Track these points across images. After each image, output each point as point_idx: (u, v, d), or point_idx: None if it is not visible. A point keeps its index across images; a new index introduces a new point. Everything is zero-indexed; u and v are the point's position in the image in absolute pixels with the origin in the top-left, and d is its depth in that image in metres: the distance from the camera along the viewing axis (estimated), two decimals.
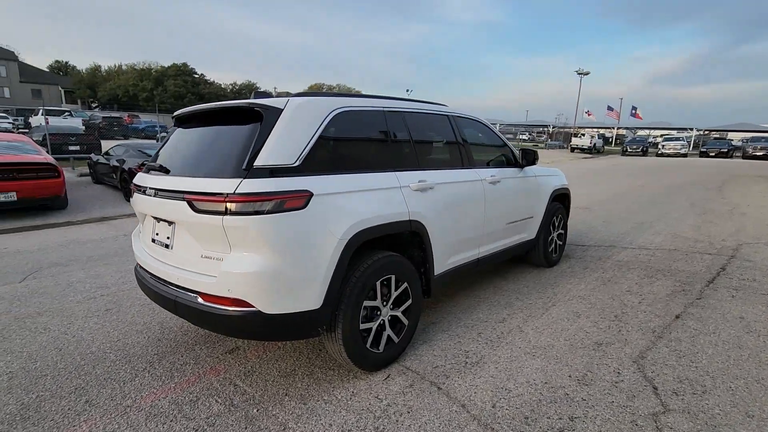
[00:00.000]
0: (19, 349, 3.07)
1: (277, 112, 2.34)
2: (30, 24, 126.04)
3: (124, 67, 59.83)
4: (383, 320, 2.71)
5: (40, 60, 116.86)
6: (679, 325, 3.36)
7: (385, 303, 2.71)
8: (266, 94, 2.64)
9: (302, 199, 2.22)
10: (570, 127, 50.55)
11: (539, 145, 44.95)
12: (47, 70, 68.46)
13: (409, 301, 2.87)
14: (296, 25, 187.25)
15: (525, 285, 4.33)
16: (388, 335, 2.75)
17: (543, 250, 4.67)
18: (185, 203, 2.24)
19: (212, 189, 2.15)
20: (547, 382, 2.59)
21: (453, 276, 3.47)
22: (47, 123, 14.91)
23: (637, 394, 2.46)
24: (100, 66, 63.00)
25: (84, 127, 21.49)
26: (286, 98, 2.45)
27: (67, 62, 71.19)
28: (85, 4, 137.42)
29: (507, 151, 4.14)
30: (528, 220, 4.34)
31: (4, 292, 4.17)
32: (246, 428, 2.19)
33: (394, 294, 2.75)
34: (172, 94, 52.01)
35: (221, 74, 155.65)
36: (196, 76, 56.52)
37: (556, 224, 4.90)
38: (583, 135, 37.45)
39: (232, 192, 2.09)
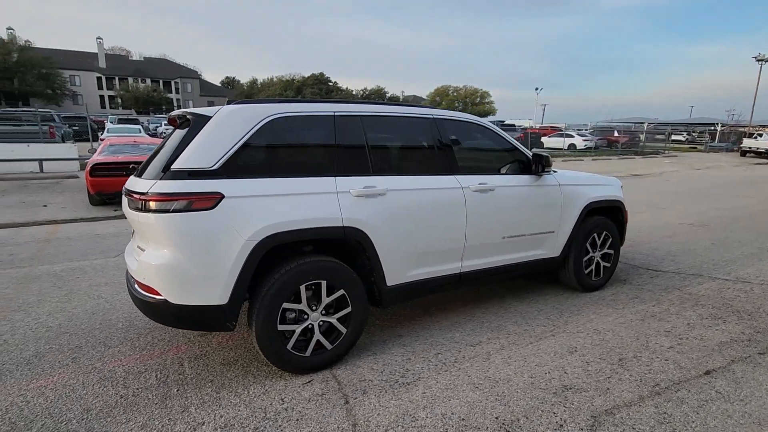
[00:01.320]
0: (71, 309, 3.87)
1: (206, 119, 2.54)
2: (208, 47, 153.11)
3: (274, 80, 68.75)
4: (312, 325, 2.71)
5: (215, 76, 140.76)
6: (700, 384, 2.60)
7: (314, 308, 2.71)
8: (245, 101, 2.85)
9: (211, 200, 2.37)
10: (744, 126, 41.26)
11: (698, 147, 37.72)
12: (219, 84, 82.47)
13: (348, 309, 2.81)
14: (425, 28, 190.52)
15: (538, 308, 3.81)
16: (318, 341, 2.74)
17: (574, 271, 4.03)
18: (125, 198, 2.59)
19: (136, 188, 2.45)
20: (465, 420, 2.29)
21: (430, 290, 3.27)
22: None
23: None
24: (256, 79, 73.83)
25: None
26: (222, 107, 2.63)
27: (234, 77, 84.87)
28: (249, 29, 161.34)
29: (517, 156, 3.70)
30: (545, 234, 3.80)
31: (96, 264, 5.26)
32: (157, 404, 2.44)
33: (326, 300, 2.73)
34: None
35: (353, 81, 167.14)
36: (330, 84, 61.93)
37: (598, 242, 4.17)
38: (760, 135, 30.19)
39: (146, 191, 2.35)
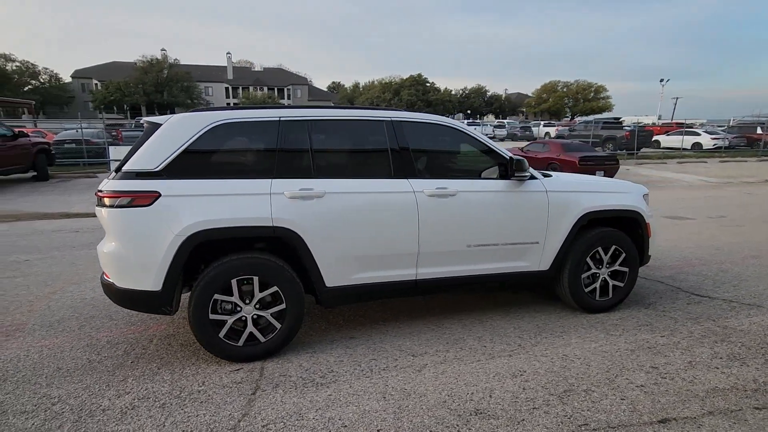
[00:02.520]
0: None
1: (157, 126, 2.87)
2: (318, 55, 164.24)
3: (375, 83, 71.30)
4: (246, 317, 2.90)
5: (324, 82, 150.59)
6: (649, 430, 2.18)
7: (248, 302, 2.89)
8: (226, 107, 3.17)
9: (149, 198, 2.69)
10: None
11: None
12: (326, 90, 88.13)
13: (282, 306, 2.94)
14: (533, 21, 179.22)
15: (517, 325, 3.50)
16: (252, 333, 2.91)
17: (569, 288, 3.61)
18: None
19: (98, 186, 2.87)
20: (347, 427, 2.26)
21: (380, 294, 3.25)
22: None
23: None
24: (359, 83, 77.32)
25: None
26: (171, 115, 2.95)
27: (339, 82, 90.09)
28: (355, 35, 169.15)
29: (494, 159, 3.43)
30: (527, 245, 3.47)
31: None
32: (108, 372, 2.84)
33: (259, 295, 2.89)
34: (405, 103, 58.85)
35: (453, 81, 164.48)
36: (428, 84, 62.12)
37: (604, 258, 3.66)
38: None
39: (100, 189, 2.76)
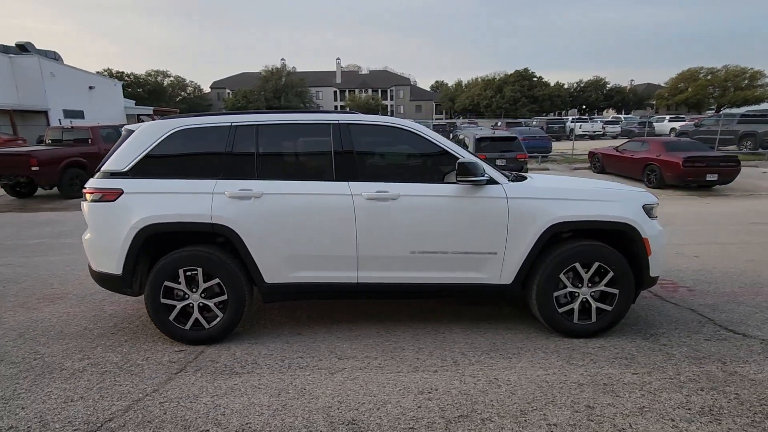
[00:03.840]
0: None
1: (131, 132, 3.32)
2: (422, 55, 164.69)
3: (478, 80, 69.35)
4: (192, 304, 3.20)
5: (426, 82, 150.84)
6: None
7: (194, 290, 3.19)
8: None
9: (114, 194, 3.14)
10: None
11: None
12: (429, 89, 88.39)
13: (224, 296, 3.18)
14: (665, 1, 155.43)
15: (471, 342, 3.26)
16: (197, 319, 3.21)
17: (538, 307, 3.23)
18: None
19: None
20: (222, 415, 2.39)
21: (320, 294, 3.32)
22: None
23: None
24: (461, 81, 75.88)
25: None
26: (143, 123, 3.37)
27: (442, 81, 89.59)
28: (459, 33, 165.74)
29: (450, 162, 3.21)
30: (483, 255, 3.19)
31: None
32: (89, 340, 3.38)
33: (203, 285, 3.17)
34: (508, 100, 56.05)
35: (566, 74, 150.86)
36: (535, 79, 58.25)
37: (584, 275, 3.20)
38: None
39: (84, 186, 3.29)
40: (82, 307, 4.01)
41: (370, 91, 75.33)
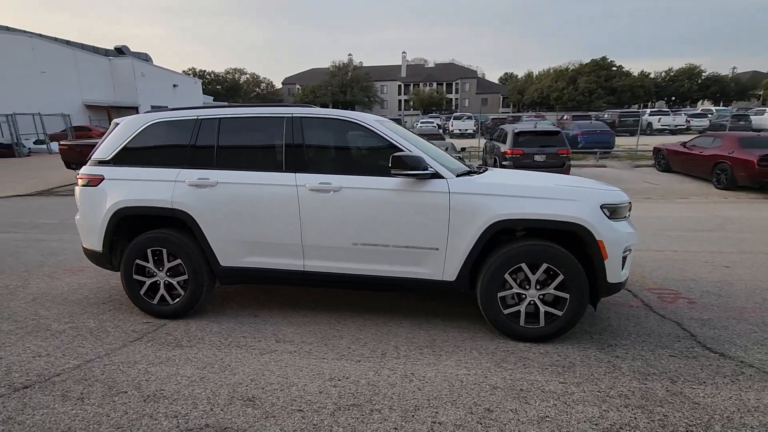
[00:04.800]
0: None
1: (116, 125, 3.71)
2: (489, 46, 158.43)
3: (550, 71, 65.56)
4: (159, 281, 3.54)
5: (495, 74, 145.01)
6: None
7: (161, 269, 3.52)
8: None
9: (97, 180, 3.55)
10: None
11: None
12: (497, 81, 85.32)
13: (185, 276, 3.47)
14: None
15: (410, 336, 3.25)
16: (163, 295, 3.54)
17: (483, 307, 3.14)
18: None
19: None
20: (147, 381, 2.65)
21: (272, 279, 3.49)
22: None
23: None
24: (532, 72, 72.15)
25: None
26: (125, 117, 3.74)
27: (512, 73, 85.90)
28: (530, 22, 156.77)
29: (410, 157, 3.17)
30: (424, 251, 3.15)
31: None
32: (83, 307, 3.86)
33: (168, 264, 3.49)
34: (582, 91, 52.24)
35: (652, 62, 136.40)
36: (614, 68, 53.69)
37: (531, 277, 3.04)
38: None
39: (77, 172, 3.74)
40: (92, 280, 4.56)
41: (434, 84, 74.51)
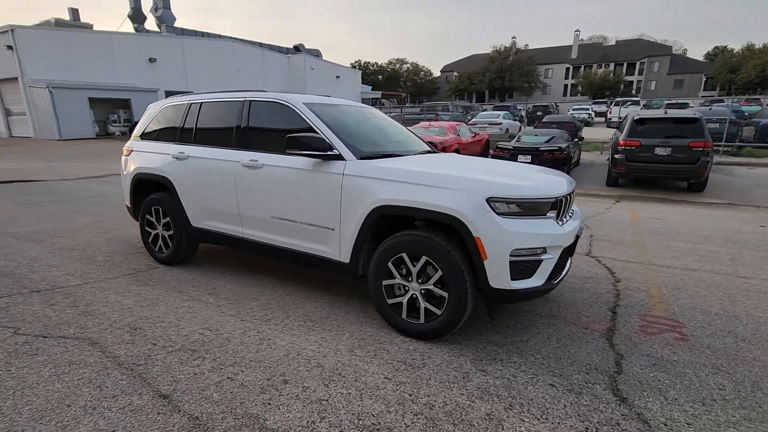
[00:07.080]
0: None
1: (148, 108, 4.72)
2: (692, 12, 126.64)
3: None
4: (158, 234, 4.45)
5: (700, 49, 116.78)
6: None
7: (159, 224, 4.42)
8: None
9: (129, 151, 4.63)
10: None
11: None
12: (701, 59, 69.45)
13: (172, 232, 4.30)
14: None
15: (309, 308, 3.40)
16: (160, 245, 4.45)
17: (372, 293, 3.09)
18: None
19: None
20: (100, 302, 3.49)
21: (225, 242, 4.03)
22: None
23: None
24: (753, 45, 56.07)
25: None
26: (153, 103, 4.70)
27: (725, 46, 68.48)
28: None
29: (309, 137, 3.31)
30: (324, 230, 3.23)
31: None
32: (80, 266, 5.09)
33: (162, 220, 4.37)
34: None
35: None
36: None
37: (413, 269, 2.86)
38: None
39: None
40: (103, 238, 5.88)
41: (612, 65, 65.04)
